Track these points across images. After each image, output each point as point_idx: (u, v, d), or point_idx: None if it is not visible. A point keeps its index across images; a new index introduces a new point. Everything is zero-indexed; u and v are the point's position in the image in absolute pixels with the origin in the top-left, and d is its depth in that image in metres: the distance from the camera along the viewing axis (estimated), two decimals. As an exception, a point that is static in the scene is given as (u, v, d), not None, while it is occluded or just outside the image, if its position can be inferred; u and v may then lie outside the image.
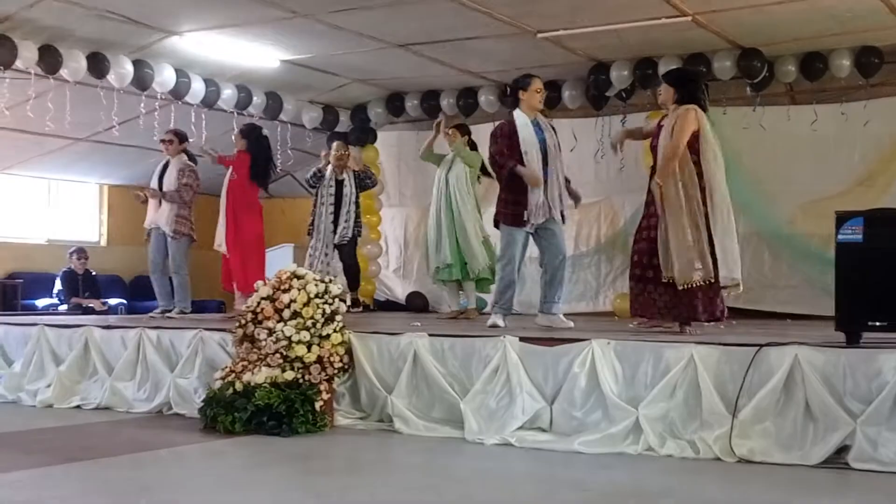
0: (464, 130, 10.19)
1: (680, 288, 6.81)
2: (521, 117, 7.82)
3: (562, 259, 7.87)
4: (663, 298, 6.99)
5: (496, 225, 8.03)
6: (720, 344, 5.82)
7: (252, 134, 10.02)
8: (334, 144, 11.19)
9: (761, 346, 5.61)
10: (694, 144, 6.91)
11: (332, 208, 10.88)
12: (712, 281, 6.81)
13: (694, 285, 6.78)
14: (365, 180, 11.22)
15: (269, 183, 10.19)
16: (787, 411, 5.52)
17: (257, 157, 9.89)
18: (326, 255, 10.84)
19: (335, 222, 10.87)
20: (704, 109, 7.16)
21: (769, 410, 5.53)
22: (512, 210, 7.75)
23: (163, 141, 10.14)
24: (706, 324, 7.08)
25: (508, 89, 8.33)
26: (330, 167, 10.97)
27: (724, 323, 7.20)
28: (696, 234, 6.79)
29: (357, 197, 11.06)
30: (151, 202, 9.92)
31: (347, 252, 11.06)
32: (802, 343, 5.56)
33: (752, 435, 5.51)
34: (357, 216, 11.05)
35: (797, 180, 11.47)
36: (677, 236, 6.82)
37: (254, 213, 9.92)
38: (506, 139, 7.76)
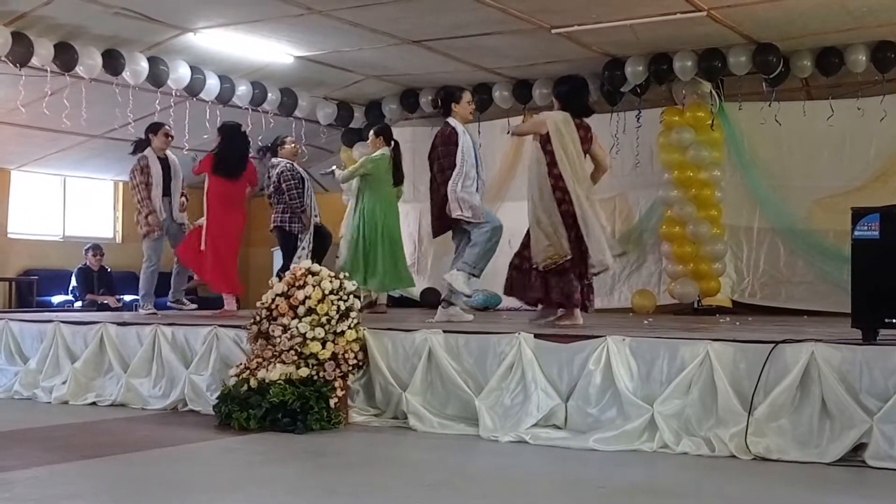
0: (387, 136, 10.29)
1: (536, 267, 7.46)
2: (458, 126, 8.22)
3: None
4: (531, 282, 7.60)
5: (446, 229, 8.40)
6: (736, 341, 5.79)
7: (224, 132, 10.00)
8: (288, 139, 10.54)
9: (777, 342, 5.58)
10: (546, 146, 7.53)
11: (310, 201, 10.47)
12: (565, 265, 7.37)
13: (545, 267, 7.40)
14: None
15: (234, 172, 9.85)
16: (802, 409, 5.49)
17: (220, 154, 9.85)
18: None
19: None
20: (586, 114, 7.87)
21: (785, 408, 5.50)
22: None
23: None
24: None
25: (440, 100, 8.73)
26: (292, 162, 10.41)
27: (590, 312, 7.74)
28: (548, 219, 7.42)
29: None
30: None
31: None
32: (818, 340, 5.53)
33: (768, 432, 5.48)
34: None
35: (813, 176, 11.45)
36: (534, 225, 7.53)
37: (231, 209, 9.88)
38: (451, 146, 8.11)
